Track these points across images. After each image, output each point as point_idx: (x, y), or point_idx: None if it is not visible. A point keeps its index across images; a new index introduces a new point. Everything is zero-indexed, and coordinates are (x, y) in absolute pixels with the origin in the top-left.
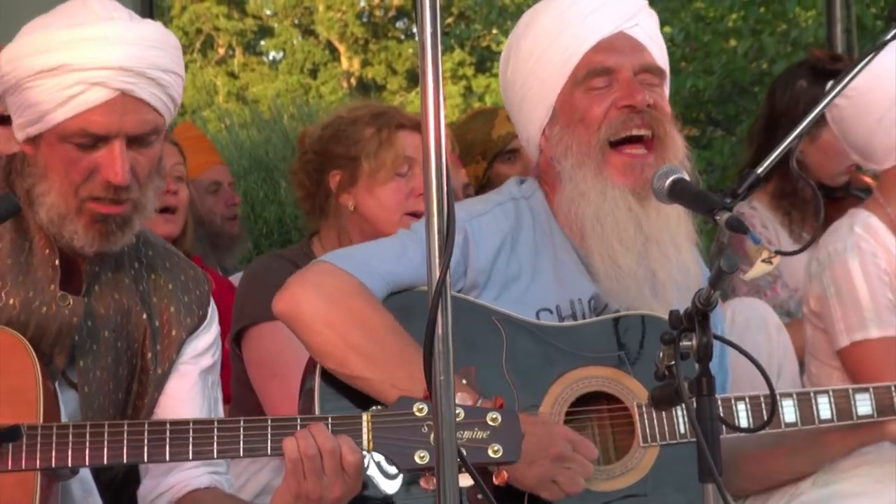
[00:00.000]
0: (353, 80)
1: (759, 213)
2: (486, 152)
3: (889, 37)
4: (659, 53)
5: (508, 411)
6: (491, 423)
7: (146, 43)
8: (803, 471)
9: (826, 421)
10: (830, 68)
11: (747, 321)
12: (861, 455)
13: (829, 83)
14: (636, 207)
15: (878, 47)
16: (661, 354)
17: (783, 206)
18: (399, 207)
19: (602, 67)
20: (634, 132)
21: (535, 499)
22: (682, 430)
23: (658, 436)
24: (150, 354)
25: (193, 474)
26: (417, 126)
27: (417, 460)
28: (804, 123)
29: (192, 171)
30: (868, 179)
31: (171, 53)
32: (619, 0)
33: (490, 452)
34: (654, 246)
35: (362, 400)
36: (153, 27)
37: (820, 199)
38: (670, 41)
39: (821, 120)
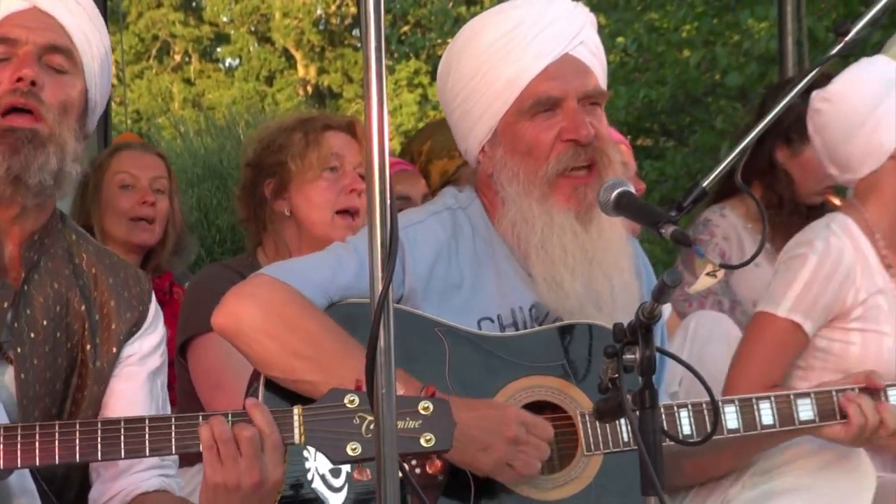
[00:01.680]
0: (309, 88)
1: (726, 222)
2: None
3: (835, 51)
4: (601, 70)
5: (440, 400)
6: (423, 412)
7: None
8: (736, 467)
9: (768, 426)
10: (822, 85)
11: (709, 333)
12: (794, 448)
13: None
14: (580, 231)
15: (823, 61)
16: (604, 367)
17: (767, 215)
18: (330, 205)
19: (547, 97)
20: (579, 164)
21: (482, 485)
22: (626, 439)
23: (601, 444)
24: (89, 347)
25: (142, 477)
26: (345, 127)
27: (350, 452)
28: (747, 139)
29: None
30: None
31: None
32: (563, 18)
33: (422, 441)
34: (597, 268)
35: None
36: None
37: (764, 214)
38: (623, 52)
39: (804, 136)
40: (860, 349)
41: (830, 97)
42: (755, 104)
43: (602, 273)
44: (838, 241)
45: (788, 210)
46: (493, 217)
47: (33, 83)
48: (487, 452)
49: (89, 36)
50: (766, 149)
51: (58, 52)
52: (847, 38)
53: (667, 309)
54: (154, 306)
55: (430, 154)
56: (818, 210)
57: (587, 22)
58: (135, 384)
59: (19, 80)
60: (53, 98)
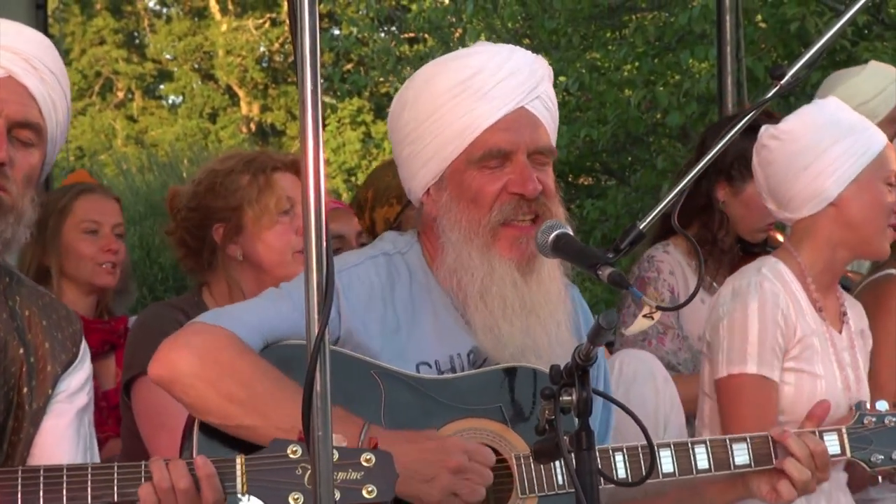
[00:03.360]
0: (252, 125)
1: (671, 258)
2: (401, 196)
3: (770, 95)
4: (553, 125)
5: (382, 452)
6: (365, 463)
7: (38, 41)
8: None
9: (704, 471)
10: (763, 122)
11: (634, 373)
12: None
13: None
14: (520, 282)
15: (759, 105)
16: (542, 408)
17: (702, 253)
18: (288, 248)
19: (498, 150)
20: (522, 217)
21: None
22: (560, 482)
23: (536, 487)
24: (25, 390)
25: None
26: (291, 166)
27: (292, 502)
28: (684, 181)
29: None
30: (782, 239)
31: (59, 65)
32: (522, 71)
33: (364, 493)
34: (535, 319)
35: (243, 451)
36: (47, 40)
37: (700, 254)
38: (565, 91)
39: (746, 174)
40: (794, 390)
41: (780, 135)
42: (695, 143)
43: (540, 324)
44: (771, 286)
45: (722, 248)
46: (433, 262)
47: (1, 164)
48: (432, 484)
49: (57, 104)
50: (704, 188)
51: (28, 128)
52: (782, 82)
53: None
54: (84, 345)
55: (374, 201)
56: (759, 246)
57: (545, 76)
58: (63, 421)
59: None
60: (19, 172)
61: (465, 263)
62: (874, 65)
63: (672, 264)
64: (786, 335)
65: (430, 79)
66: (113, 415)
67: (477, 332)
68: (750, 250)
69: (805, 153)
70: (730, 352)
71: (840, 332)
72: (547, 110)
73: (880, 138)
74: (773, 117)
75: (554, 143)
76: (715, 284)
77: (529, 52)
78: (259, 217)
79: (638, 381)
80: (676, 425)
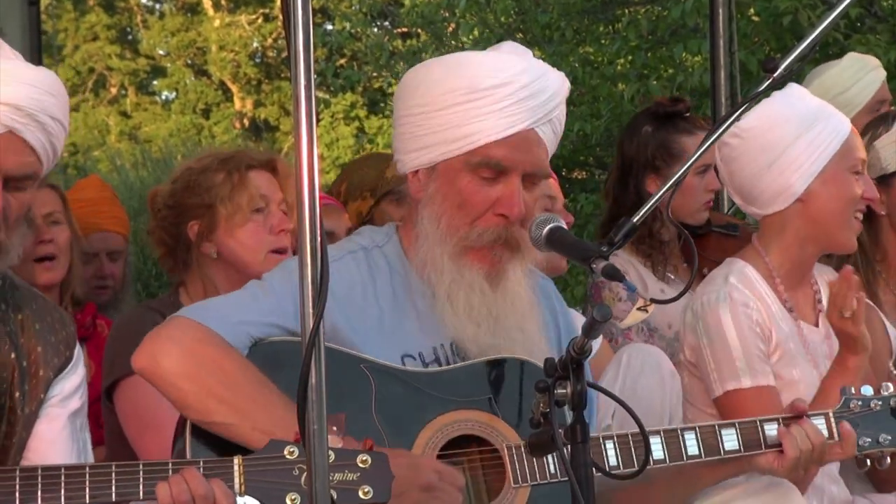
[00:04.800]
0: (245, 121)
1: (618, 260)
2: (374, 190)
3: (762, 87)
4: (554, 145)
5: (378, 453)
6: (361, 464)
7: (42, 87)
8: (669, 501)
9: (694, 457)
10: (671, 110)
11: (641, 365)
12: (731, 486)
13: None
14: (488, 291)
15: (751, 97)
16: (536, 401)
17: (643, 249)
18: (262, 246)
19: (496, 163)
20: (501, 241)
21: None
22: (553, 471)
23: (529, 476)
24: (17, 394)
25: None
26: (267, 164)
27: (289, 503)
28: (679, 173)
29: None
30: (728, 218)
31: (62, 103)
32: (546, 93)
33: (360, 494)
34: (500, 326)
35: (233, 451)
36: (49, 74)
37: (692, 241)
38: None
39: (671, 160)
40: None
41: (741, 133)
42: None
43: (504, 331)
44: (740, 295)
45: (662, 240)
46: (409, 253)
47: None
48: (400, 499)
49: (57, 145)
50: (631, 185)
51: (25, 179)
52: (775, 75)
53: (596, 343)
54: (77, 349)
55: (347, 196)
56: (703, 227)
57: (564, 98)
58: (56, 425)
59: None
60: (13, 215)
61: (436, 262)
62: (851, 55)
63: (622, 264)
64: (764, 339)
65: (458, 70)
66: (91, 410)
67: (447, 329)
68: (695, 233)
69: (768, 150)
70: (719, 371)
71: (816, 324)
72: (554, 133)
73: (844, 126)
74: (681, 102)
75: (547, 163)
76: (669, 275)
77: (558, 73)
78: (232, 215)
79: (644, 373)
80: (681, 418)
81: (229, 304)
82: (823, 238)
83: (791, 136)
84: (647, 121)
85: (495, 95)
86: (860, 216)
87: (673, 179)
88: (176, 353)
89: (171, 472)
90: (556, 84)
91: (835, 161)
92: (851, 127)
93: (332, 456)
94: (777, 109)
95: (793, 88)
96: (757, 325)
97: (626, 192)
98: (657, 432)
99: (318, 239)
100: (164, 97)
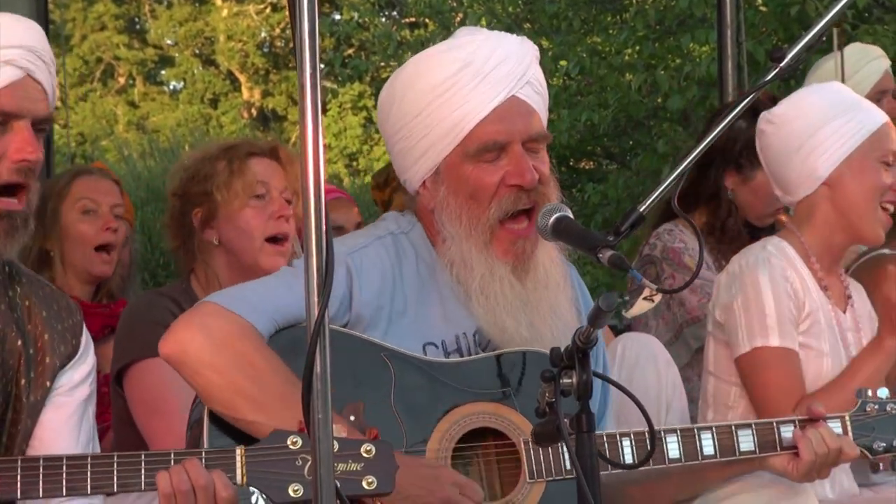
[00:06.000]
0: (253, 111)
1: (684, 235)
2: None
3: (769, 77)
4: (544, 108)
5: (382, 443)
6: (365, 454)
7: (37, 32)
8: (682, 498)
9: (709, 457)
10: (766, 107)
11: (636, 356)
12: (738, 482)
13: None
14: (516, 284)
15: (758, 87)
16: (541, 391)
17: (710, 241)
18: (259, 233)
19: (493, 142)
20: (521, 207)
21: None
22: (569, 467)
23: (544, 472)
24: (24, 381)
25: None
26: (269, 152)
27: (291, 493)
28: (684, 164)
29: None
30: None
31: (49, 48)
32: (511, 58)
33: (364, 484)
34: (536, 314)
35: (251, 442)
36: (34, 23)
37: (702, 240)
38: (566, 75)
39: (755, 162)
40: (802, 366)
41: (774, 119)
42: (699, 128)
43: (540, 319)
44: (778, 261)
45: (731, 235)
46: (436, 244)
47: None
48: None
49: (55, 87)
50: (712, 176)
51: (45, 122)
52: (782, 65)
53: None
54: (85, 336)
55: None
56: (767, 231)
57: (533, 58)
58: (63, 414)
59: (24, 159)
60: (38, 164)
61: (465, 258)
62: (853, 46)
63: (686, 239)
64: (797, 307)
65: (416, 76)
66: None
67: (482, 325)
68: (757, 235)
69: (796, 136)
70: (749, 327)
71: (844, 312)
72: (538, 94)
73: (878, 117)
74: (776, 101)
75: (545, 124)
76: (725, 264)
77: (515, 37)
78: (230, 201)
79: (640, 364)
80: (678, 408)
81: (261, 290)
82: (849, 227)
83: (819, 121)
84: (745, 114)
85: (462, 79)
86: (890, 208)
87: (678, 170)
88: (205, 344)
89: (172, 462)
90: (515, 46)
91: (863, 149)
92: (888, 120)
93: (336, 446)
94: (810, 98)
95: (832, 83)
96: (792, 291)
97: (703, 179)
98: (674, 431)
99: (324, 228)
100: (171, 87)
